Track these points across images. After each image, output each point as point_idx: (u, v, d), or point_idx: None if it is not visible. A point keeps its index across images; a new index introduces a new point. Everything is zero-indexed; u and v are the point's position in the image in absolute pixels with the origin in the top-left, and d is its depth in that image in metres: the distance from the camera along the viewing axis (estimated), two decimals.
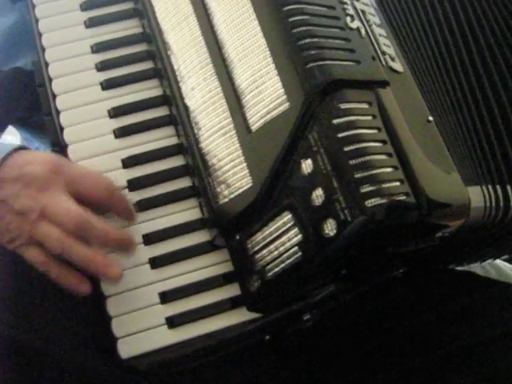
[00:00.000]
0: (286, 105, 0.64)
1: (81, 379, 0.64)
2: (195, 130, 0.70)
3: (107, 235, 0.66)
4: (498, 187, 0.68)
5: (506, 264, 1.05)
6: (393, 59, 0.68)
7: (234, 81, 0.67)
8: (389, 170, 0.61)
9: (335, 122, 0.61)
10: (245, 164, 0.66)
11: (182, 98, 0.71)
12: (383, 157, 0.62)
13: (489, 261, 0.92)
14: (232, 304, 0.68)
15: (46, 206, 0.65)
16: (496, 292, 0.77)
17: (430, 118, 0.68)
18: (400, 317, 0.77)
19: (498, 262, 1.04)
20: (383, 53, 0.68)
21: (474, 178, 0.68)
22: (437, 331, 0.75)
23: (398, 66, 0.69)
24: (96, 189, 0.67)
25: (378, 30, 0.69)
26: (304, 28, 0.64)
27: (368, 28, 0.68)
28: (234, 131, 0.67)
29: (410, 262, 0.69)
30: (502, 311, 0.75)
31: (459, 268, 0.84)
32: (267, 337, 0.68)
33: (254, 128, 0.66)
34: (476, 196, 0.66)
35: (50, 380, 0.63)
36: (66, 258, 0.66)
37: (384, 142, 0.62)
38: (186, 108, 0.70)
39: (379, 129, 0.63)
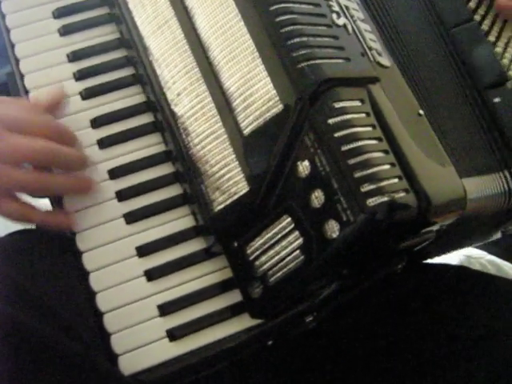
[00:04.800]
0: (280, 106, 0.62)
1: (80, 371, 0.61)
2: (184, 136, 0.68)
3: (75, 155, 0.66)
4: (495, 175, 0.69)
5: (507, 263, 1.06)
6: (380, 54, 0.68)
7: (222, 84, 0.66)
8: (386, 167, 0.61)
9: (330, 121, 0.60)
10: (239, 169, 0.64)
11: (168, 104, 0.69)
12: (380, 154, 0.61)
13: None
14: (232, 312, 0.66)
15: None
16: (493, 286, 0.77)
17: (421, 112, 0.67)
18: (396, 315, 0.77)
19: (498, 260, 1.05)
20: (370, 48, 0.67)
21: (468, 169, 0.68)
22: (435, 328, 0.75)
23: (385, 60, 0.68)
24: (41, 126, 0.65)
25: (363, 26, 0.69)
26: (292, 27, 0.63)
27: (353, 24, 0.67)
28: (226, 136, 0.65)
29: (408, 255, 0.68)
30: (501, 305, 0.75)
31: (454, 264, 0.84)
32: (270, 342, 0.67)
33: (246, 132, 0.64)
34: (472, 187, 0.66)
35: (48, 365, 0.59)
36: (44, 193, 0.66)
37: (379, 139, 0.62)
38: (173, 114, 0.69)
39: (374, 126, 0.62)
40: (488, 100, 0.73)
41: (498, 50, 0.76)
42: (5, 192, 0.65)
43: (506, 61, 0.77)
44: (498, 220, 0.77)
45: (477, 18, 0.77)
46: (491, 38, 0.77)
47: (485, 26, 0.76)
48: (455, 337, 0.72)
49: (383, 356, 0.74)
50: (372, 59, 0.67)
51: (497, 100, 0.72)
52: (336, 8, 0.67)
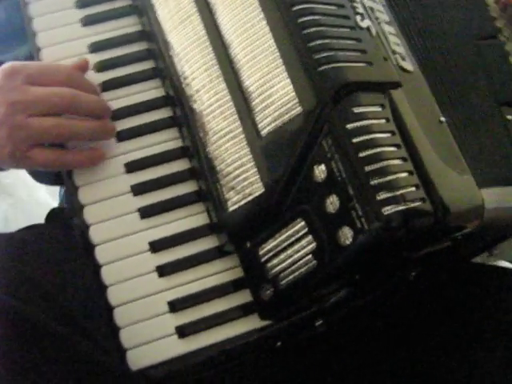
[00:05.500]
0: (298, 109, 0.62)
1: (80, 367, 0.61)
2: (201, 134, 0.67)
3: (95, 100, 0.68)
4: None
5: (508, 264, 1.05)
6: (403, 58, 0.67)
7: (241, 83, 0.65)
8: (404, 175, 0.60)
9: (349, 126, 0.60)
10: (255, 169, 0.64)
11: (187, 100, 0.68)
12: (398, 161, 0.60)
13: None
14: (242, 311, 0.66)
15: (24, 102, 0.64)
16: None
17: (442, 119, 0.66)
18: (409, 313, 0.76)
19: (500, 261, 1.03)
20: (393, 52, 0.66)
21: (488, 179, 0.67)
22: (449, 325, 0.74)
23: (408, 65, 0.67)
24: (57, 76, 0.67)
25: (388, 28, 0.68)
26: (315, 29, 0.62)
27: (377, 26, 0.66)
28: (243, 135, 0.65)
29: (422, 263, 0.68)
30: None
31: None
32: (279, 343, 0.67)
33: (263, 133, 0.64)
34: (491, 197, 0.65)
35: (47, 358, 0.60)
36: (73, 138, 0.67)
37: (398, 146, 0.61)
38: (192, 110, 0.68)
39: (393, 132, 0.61)
40: (503, 116, 0.72)
41: None
42: (34, 142, 0.66)
43: None
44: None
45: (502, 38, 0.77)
46: (511, 60, 0.76)
47: (507, 48, 0.75)
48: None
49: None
50: (395, 63, 0.66)
51: (510, 118, 0.71)
52: (360, 9, 0.66)
